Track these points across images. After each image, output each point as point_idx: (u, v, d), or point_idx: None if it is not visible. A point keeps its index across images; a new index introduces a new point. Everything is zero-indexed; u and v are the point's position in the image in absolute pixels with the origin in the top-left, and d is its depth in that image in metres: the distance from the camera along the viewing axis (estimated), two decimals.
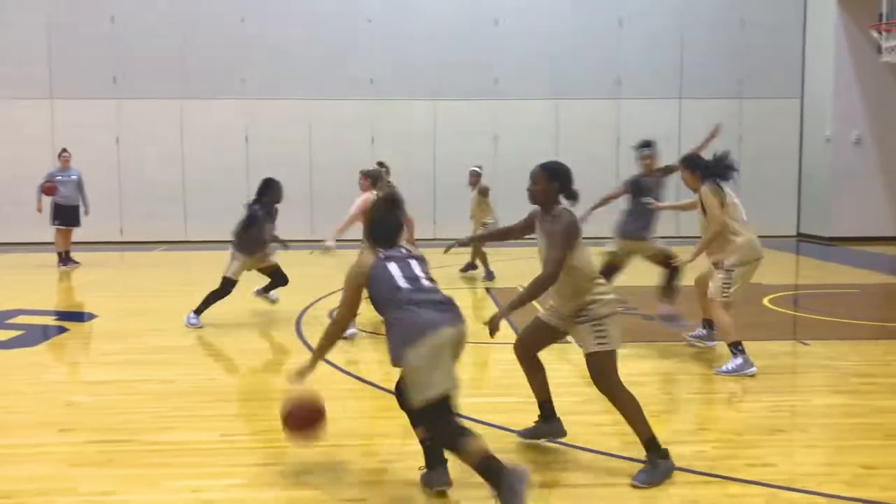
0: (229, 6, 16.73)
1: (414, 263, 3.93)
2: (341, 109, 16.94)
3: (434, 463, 3.90)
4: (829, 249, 15.11)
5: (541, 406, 4.61)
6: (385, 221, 4.00)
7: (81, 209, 12.81)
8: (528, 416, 5.03)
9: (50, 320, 8.88)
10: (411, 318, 3.68)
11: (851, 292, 10.30)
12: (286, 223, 9.02)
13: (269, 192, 8.14)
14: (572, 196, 4.36)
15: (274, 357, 6.89)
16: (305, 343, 7.14)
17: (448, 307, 3.80)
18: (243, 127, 16.97)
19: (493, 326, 4.14)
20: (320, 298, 9.53)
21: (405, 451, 4.42)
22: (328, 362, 6.39)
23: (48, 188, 12.54)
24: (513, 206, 15.25)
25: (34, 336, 7.96)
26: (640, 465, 4.12)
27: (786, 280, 11.48)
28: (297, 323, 8.10)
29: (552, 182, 4.36)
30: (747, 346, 6.19)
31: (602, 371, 4.19)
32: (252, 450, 4.54)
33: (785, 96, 17.44)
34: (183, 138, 16.92)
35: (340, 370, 6.17)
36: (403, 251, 3.97)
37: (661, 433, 4.69)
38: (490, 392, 5.66)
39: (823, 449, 4.62)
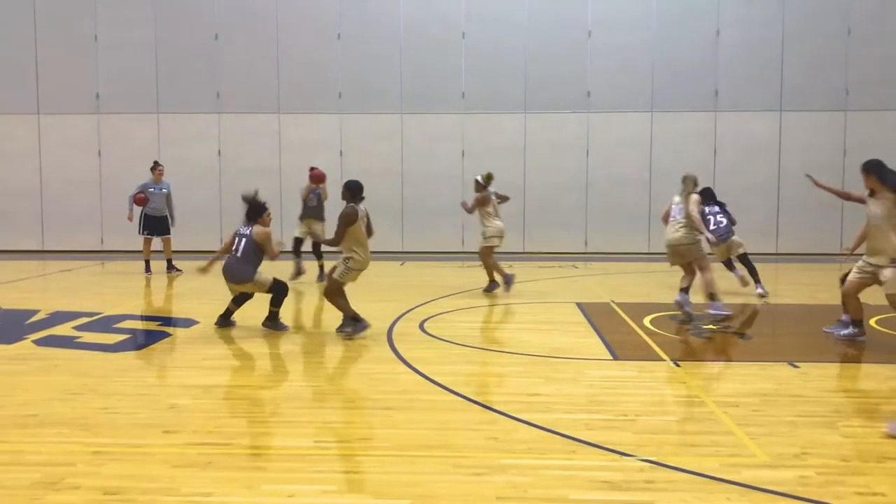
0: (323, 23, 17.16)
1: None
2: (435, 124, 17.12)
3: None
4: None
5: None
6: None
7: (169, 220, 13.49)
8: (619, 433, 4.96)
9: (154, 325, 9.26)
10: None
11: None
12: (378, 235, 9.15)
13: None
14: None
15: (368, 366, 6.98)
16: (397, 353, 7.22)
17: None
18: (337, 140, 17.35)
19: None
20: (412, 309, 9.62)
21: (492, 464, 4.42)
22: (419, 373, 6.45)
23: (140, 199, 13.14)
24: (603, 215, 15.14)
25: (139, 340, 8.33)
26: (738, 489, 3.99)
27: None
28: (389, 333, 8.20)
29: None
30: (853, 368, 5.89)
31: None
32: (345, 457, 4.61)
33: (894, 108, 16.67)
34: (280, 151, 17.42)
35: (429, 380, 6.21)
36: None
37: (761, 456, 4.55)
38: (582, 409, 5.58)
39: None
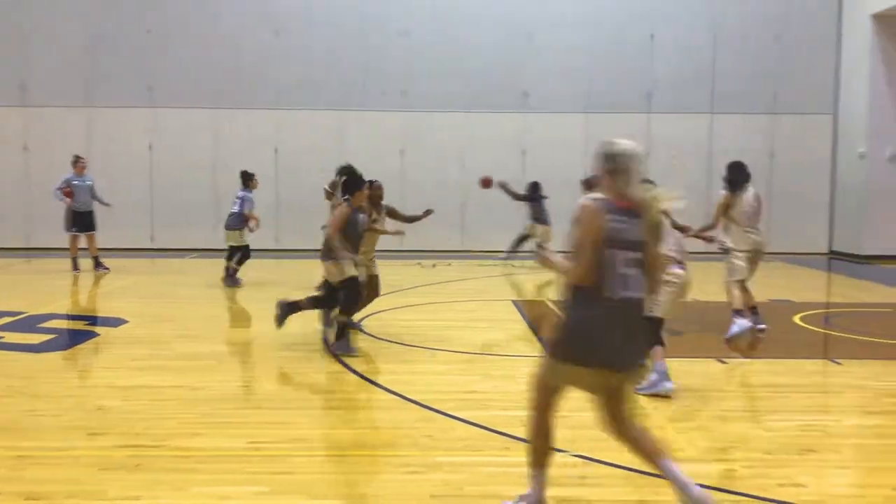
0: (264, 19, 16.92)
1: None
2: (374, 121, 17.05)
3: None
4: (863, 267, 14.88)
5: None
6: None
7: (94, 215, 13.19)
8: (556, 429, 5.01)
9: (81, 325, 9.01)
10: None
11: (886, 312, 10.14)
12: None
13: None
14: None
15: (303, 366, 6.92)
16: (333, 354, 7.16)
17: None
18: (274, 137, 17.13)
19: None
20: None
21: (427, 462, 4.43)
22: (356, 372, 6.42)
23: (68, 192, 12.81)
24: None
25: (65, 340, 8.09)
26: (667, 483, 4.09)
27: (817, 298, 11.34)
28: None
29: None
30: (777, 363, 6.09)
31: None
32: (279, 458, 4.56)
33: (818, 112, 17.26)
34: (217, 147, 17.11)
35: (366, 379, 6.19)
36: None
37: (689, 451, 4.66)
38: (518, 405, 5.62)
39: (855, 470, 4.55)
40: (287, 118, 17.07)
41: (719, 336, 8.72)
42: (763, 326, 8.17)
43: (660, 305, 5.72)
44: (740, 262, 8.07)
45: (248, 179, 12.04)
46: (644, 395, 5.72)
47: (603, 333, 3.48)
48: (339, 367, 6.67)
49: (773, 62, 17.05)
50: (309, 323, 8.44)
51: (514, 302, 10.51)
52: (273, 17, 16.93)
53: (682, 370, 6.89)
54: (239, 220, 11.70)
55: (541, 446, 3.72)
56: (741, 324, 7.62)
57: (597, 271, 3.44)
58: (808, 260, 16.01)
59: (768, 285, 11.69)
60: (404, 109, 17.04)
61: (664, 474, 3.52)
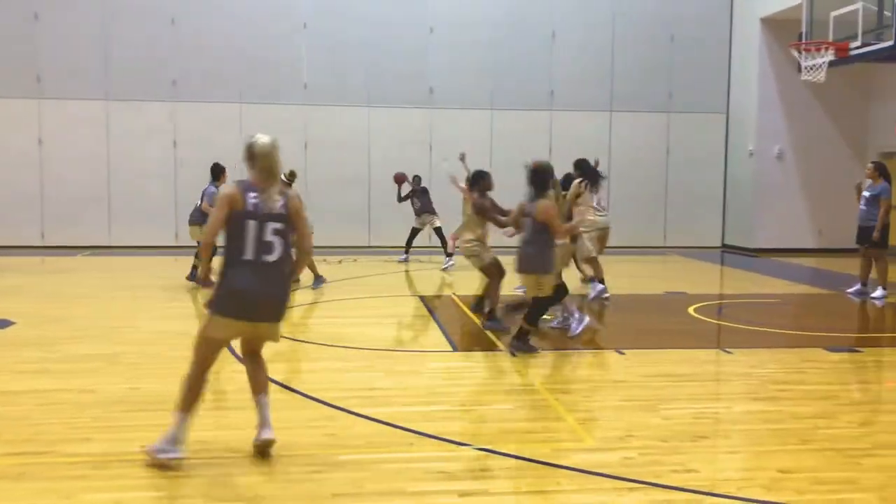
0: (159, 6, 16.38)
1: None
2: (272, 114, 16.75)
3: None
4: (753, 260, 15.58)
5: None
6: None
7: None
8: (457, 423, 5.05)
9: None
10: None
11: (772, 302, 10.64)
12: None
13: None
14: None
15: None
16: (233, 351, 6.99)
17: None
18: (171, 130, 16.62)
19: None
20: None
21: (329, 461, 4.38)
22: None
23: None
24: (449, 209, 15.29)
25: None
26: (567, 472, 4.17)
27: (711, 290, 11.80)
28: None
29: None
30: (673, 353, 6.28)
31: None
32: (175, 461, 4.41)
33: (711, 111, 17.95)
34: (108, 141, 16.47)
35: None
36: None
37: (589, 440, 4.77)
38: (421, 401, 5.63)
39: (743, 454, 4.74)
40: (184, 109, 16.57)
41: (621, 328, 8.98)
42: (607, 295, 9.91)
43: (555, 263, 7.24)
44: (590, 242, 9.65)
45: (219, 173, 11.30)
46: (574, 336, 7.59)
47: (253, 292, 4.19)
48: (237, 366, 6.50)
49: (668, 62, 17.63)
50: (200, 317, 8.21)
51: (420, 297, 10.53)
52: (170, 5, 16.40)
53: (584, 361, 7.06)
54: (199, 215, 11.13)
55: (196, 396, 4.38)
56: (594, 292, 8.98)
57: (239, 239, 4.17)
58: (703, 253, 16.65)
59: (665, 278, 12.12)
60: (306, 103, 16.83)
61: (256, 405, 4.47)
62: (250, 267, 4.20)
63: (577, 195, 8.69)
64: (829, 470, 4.37)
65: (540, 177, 7.14)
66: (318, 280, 11.03)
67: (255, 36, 16.57)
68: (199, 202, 11.29)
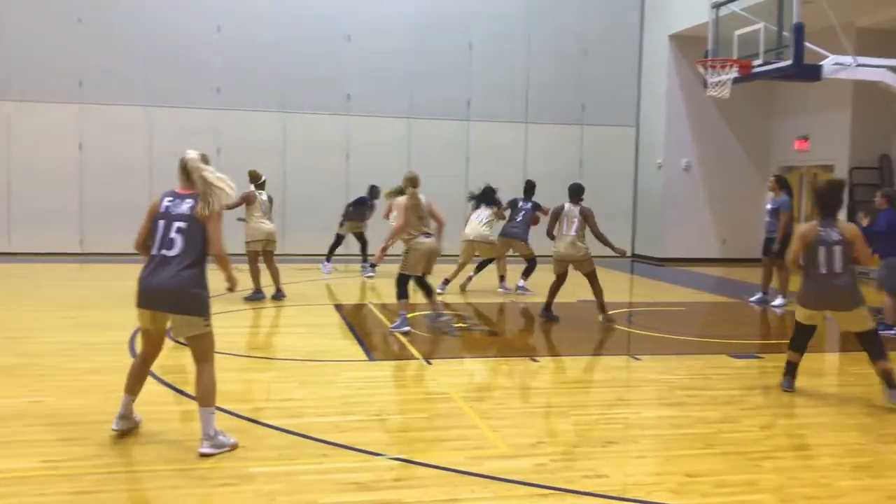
0: (63, 5, 15.79)
1: None
2: (182, 117, 16.36)
3: None
4: (661, 269, 16.05)
5: None
6: None
7: None
8: (371, 433, 5.02)
9: None
10: None
11: (679, 310, 10.97)
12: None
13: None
14: None
15: (105, 378, 6.49)
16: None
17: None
18: (77, 132, 16.02)
19: None
20: None
21: (240, 474, 4.29)
22: (164, 382, 6.11)
23: None
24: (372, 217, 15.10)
25: None
26: (480, 480, 4.19)
27: (621, 298, 12.08)
28: (132, 342, 7.68)
29: None
30: (585, 360, 6.41)
31: None
32: (77, 477, 4.24)
33: (622, 124, 18.44)
34: (10, 143, 15.76)
35: (176, 390, 5.90)
36: None
37: (502, 447, 4.81)
38: (335, 411, 5.57)
39: (652, 459, 4.87)
40: (90, 112, 16.01)
41: (535, 335, 9.11)
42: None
43: (404, 264, 8.25)
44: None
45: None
46: (394, 331, 8.14)
47: (148, 282, 4.60)
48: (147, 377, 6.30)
49: (581, 76, 18.02)
50: (109, 332, 7.96)
51: (336, 306, 10.43)
52: (77, 3, 15.82)
53: (498, 369, 7.13)
54: None
55: (138, 382, 4.89)
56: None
57: (152, 237, 4.61)
58: (613, 262, 17.03)
59: (578, 286, 12.34)
60: (218, 107, 16.46)
61: (125, 402, 4.82)
62: (153, 261, 4.63)
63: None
64: (732, 473, 4.53)
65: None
66: (260, 292, 10.46)
67: (165, 38, 16.15)
68: None
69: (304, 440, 4.86)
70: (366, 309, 10.29)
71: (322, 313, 9.84)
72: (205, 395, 4.64)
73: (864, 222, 9.33)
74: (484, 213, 11.61)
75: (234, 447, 4.64)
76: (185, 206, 4.62)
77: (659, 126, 17.74)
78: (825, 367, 7.88)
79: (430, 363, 7.06)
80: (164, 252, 4.58)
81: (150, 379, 5.37)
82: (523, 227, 11.67)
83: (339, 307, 10.33)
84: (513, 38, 17.69)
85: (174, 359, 6.86)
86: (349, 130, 17.12)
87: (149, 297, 4.62)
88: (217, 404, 4.73)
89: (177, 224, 4.58)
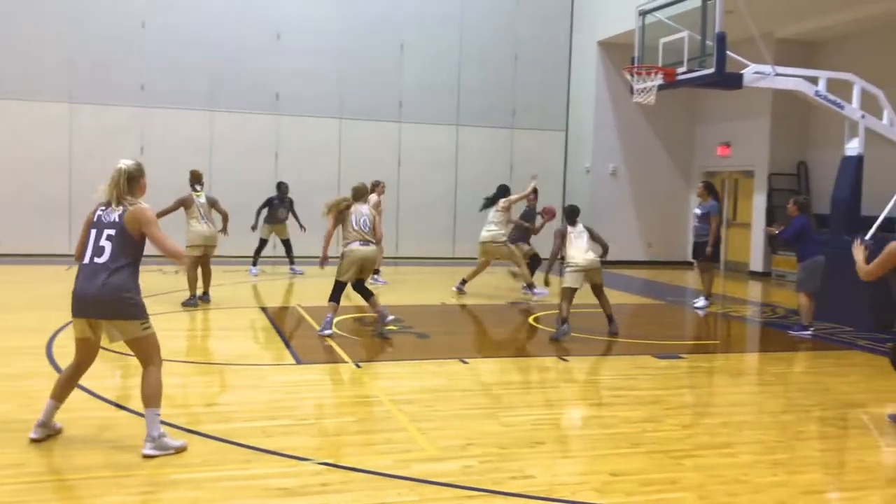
0: None
1: None
2: (106, 115, 15.90)
3: None
4: None
5: None
6: None
7: None
8: (298, 438, 4.94)
9: None
10: None
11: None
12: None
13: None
14: None
15: (21, 384, 6.24)
16: (58, 368, 6.54)
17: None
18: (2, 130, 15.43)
19: None
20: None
21: (162, 481, 4.17)
22: (85, 389, 5.90)
23: None
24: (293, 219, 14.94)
25: None
26: (408, 483, 4.17)
27: (551, 300, 12.21)
28: (49, 346, 7.42)
29: None
30: (514, 362, 6.43)
31: None
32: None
33: (552, 128, 18.67)
34: None
35: (96, 396, 5.71)
36: None
37: (430, 450, 4.80)
38: (261, 416, 5.47)
39: (578, 459, 4.92)
40: (10, 109, 15.42)
41: (465, 337, 9.13)
42: None
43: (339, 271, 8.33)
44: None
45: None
46: (321, 334, 8.11)
47: (81, 291, 4.61)
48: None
49: (512, 80, 18.19)
50: (28, 335, 7.67)
51: (263, 309, 10.27)
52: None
53: (427, 371, 7.11)
54: None
55: (67, 389, 4.86)
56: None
57: (84, 246, 4.66)
58: (542, 264, 17.21)
59: (509, 289, 12.45)
60: (143, 105, 16.06)
61: (48, 409, 4.77)
62: (84, 269, 4.65)
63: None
64: (655, 471, 4.61)
65: None
66: (195, 298, 10.16)
67: (88, 32, 15.67)
68: None
69: (230, 446, 4.76)
70: (293, 311, 10.15)
71: (249, 316, 9.67)
72: (150, 396, 4.61)
73: (775, 232, 9.72)
74: (491, 213, 11.77)
75: (180, 450, 4.57)
76: (115, 215, 4.65)
77: (587, 131, 18.03)
78: (745, 367, 8.12)
79: (359, 366, 7.01)
80: (95, 260, 4.61)
81: (99, 403, 5.18)
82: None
83: (265, 310, 10.16)
84: (445, 40, 17.73)
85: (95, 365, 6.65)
86: (278, 130, 16.90)
87: (83, 306, 4.62)
88: (137, 410, 4.59)
89: (107, 232, 4.63)
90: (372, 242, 8.46)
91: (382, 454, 4.70)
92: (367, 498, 4.05)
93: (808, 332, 9.28)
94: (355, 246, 8.36)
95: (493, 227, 11.63)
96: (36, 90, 15.49)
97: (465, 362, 7.36)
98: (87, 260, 4.64)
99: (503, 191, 12.07)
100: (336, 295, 8.39)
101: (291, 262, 13.65)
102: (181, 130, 16.28)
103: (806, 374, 7.64)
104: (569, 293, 8.74)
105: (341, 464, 4.51)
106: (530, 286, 11.79)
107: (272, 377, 6.66)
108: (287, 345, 8.00)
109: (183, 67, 16.21)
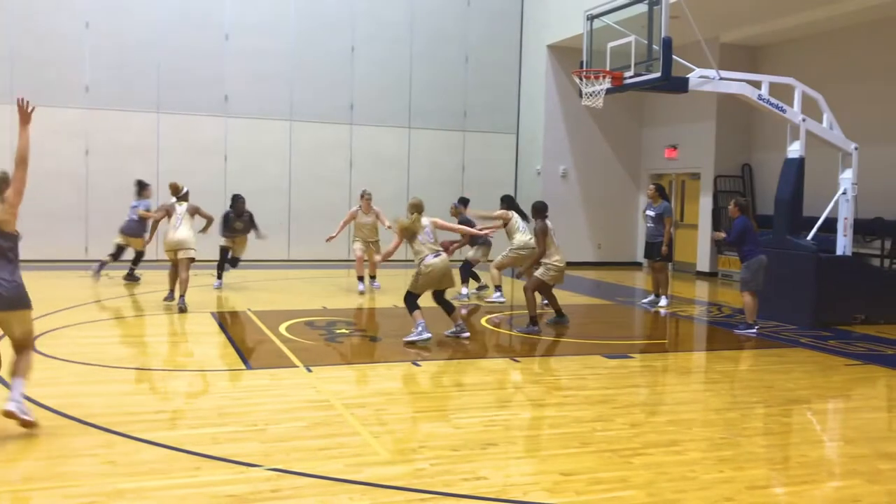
0: None
1: None
2: (54, 118, 15.53)
3: None
4: None
5: None
6: None
7: None
8: (248, 444, 4.89)
9: None
10: None
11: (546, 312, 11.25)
12: None
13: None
14: None
15: None
16: None
17: None
18: None
19: None
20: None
21: (107, 490, 4.09)
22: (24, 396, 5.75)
23: None
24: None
25: None
26: (360, 487, 4.15)
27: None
28: None
29: None
30: (466, 364, 6.44)
31: None
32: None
33: (503, 131, 18.78)
34: None
35: (37, 404, 5.57)
36: None
37: (382, 454, 4.79)
38: (210, 422, 5.39)
39: (530, 459, 4.96)
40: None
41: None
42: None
43: None
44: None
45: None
46: (420, 338, 8.16)
47: None
48: (3, 391, 5.92)
49: (463, 82, 18.26)
50: None
51: (213, 314, 10.13)
52: None
53: (380, 374, 7.10)
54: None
55: None
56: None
57: None
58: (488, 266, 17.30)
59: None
60: (87, 107, 15.73)
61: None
62: None
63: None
64: (605, 470, 4.67)
65: None
66: (171, 293, 10.70)
67: (30, 32, 15.29)
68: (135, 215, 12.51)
69: (177, 453, 4.68)
70: (245, 316, 10.03)
71: (198, 321, 9.53)
72: (25, 370, 5.13)
73: (722, 236, 9.96)
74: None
75: (32, 424, 4.99)
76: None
77: (537, 133, 18.18)
78: (692, 366, 8.26)
79: (310, 370, 6.96)
80: None
81: (3, 392, 5.06)
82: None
83: (215, 314, 10.03)
84: (396, 42, 17.71)
85: (37, 373, 6.49)
86: (227, 132, 16.69)
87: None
88: (81, 418, 4.49)
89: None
90: (441, 251, 8.50)
91: (334, 459, 4.67)
92: (318, 503, 4.02)
93: (753, 331, 9.49)
94: (431, 259, 8.30)
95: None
96: None
97: (418, 364, 7.36)
98: None
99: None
100: (413, 305, 8.36)
101: (219, 276, 12.92)
102: (127, 132, 15.98)
103: (751, 372, 7.80)
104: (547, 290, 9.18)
105: (292, 469, 4.47)
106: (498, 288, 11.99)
107: (221, 383, 6.57)
108: (237, 349, 7.90)
109: (129, 68, 15.91)
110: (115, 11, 15.84)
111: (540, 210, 9.88)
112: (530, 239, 11.02)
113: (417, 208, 8.52)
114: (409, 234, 8.37)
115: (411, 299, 8.36)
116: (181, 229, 10.58)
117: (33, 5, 15.37)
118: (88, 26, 15.68)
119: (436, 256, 8.31)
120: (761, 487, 4.51)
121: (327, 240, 12.18)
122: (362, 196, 12.59)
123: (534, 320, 9.26)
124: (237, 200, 12.77)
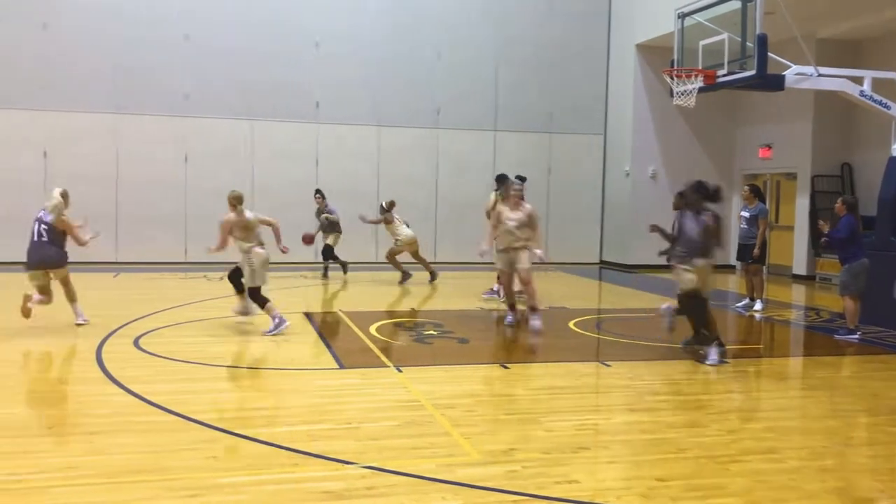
0: (32, 14, 15.56)
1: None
2: (151, 126, 16.22)
3: None
4: (629, 276, 16.18)
5: None
6: None
7: None
8: (342, 442, 4.99)
9: None
10: None
11: (647, 316, 11.04)
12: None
13: None
14: None
15: (72, 388, 6.38)
16: (107, 372, 6.68)
17: None
18: (39, 139, 15.76)
19: None
20: (126, 324, 8.98)
21: (207, 484, 4.24)
22: (132, 393, 6.02)
23: None
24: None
25: None
26: (452, 487, 4.19)
27: (589, 305, 12.16)
28: (98, 351, 7.58)
29: None
30: (555, 367, 6.42)
31: None
32: (41, 489, 4.17)
33: (590, 132, 18.59)
34: None
35: (144, 400, 5.82)
36: None
37: (474, 455, 4.81)
38: (306, 420, 5.53)
39: (622, 464, 4.90)
40: (47, 120, 15.74)
41: (505, 342, 9.12)
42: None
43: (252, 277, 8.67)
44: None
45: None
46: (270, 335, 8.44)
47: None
48: (113, 388, 6.22)
49: (550, 84, 18.15)
50: (81, 343, 7.84)
51: (306, 314, 10.37)
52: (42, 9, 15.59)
53: (469, 376, 7.13)
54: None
55: None
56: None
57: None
58: (582, 269, 17.17)
59: (547, 293, 12.40)
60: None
61: None
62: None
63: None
64: (700, 477, 4.57)
65: None
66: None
67: (130, 44, 15.96)
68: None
69: (275, 449, 4.82)
70: (336, 317, 10.23)
71: (291, 321, 9.76)
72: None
73: (825, 229, 9.52)
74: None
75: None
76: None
77: (626, 134, 17.92)
78: (790, 372, 8.00)
79: (400, 371, 7.05)
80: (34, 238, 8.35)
81: (114, 389, 5.32)
82: None
83: (308, 315, 10.26)
84: (482, 48, 17.75)
85: (141, 370, 6.79)
86: (318, 137, 17.06)
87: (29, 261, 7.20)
88: (184, 414, 4.66)
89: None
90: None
91: (426, 458, 4.73)
92: (412, 502, 4.07)
93: (855, 336, 9.11)
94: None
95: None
96: (76, 101, 15.83)
97: (507, 367, 7.36)
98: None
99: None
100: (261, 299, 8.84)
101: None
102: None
103: (853, 379, 7.50)
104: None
105: (385, 467, 4.54)
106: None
107: (315, 381, 6.72)
108: (330, 349, 8.06)
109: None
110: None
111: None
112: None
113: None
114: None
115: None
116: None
117: (139, 21, 16.02)
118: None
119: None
120: (868, 500, 4.33)
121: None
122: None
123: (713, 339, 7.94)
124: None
